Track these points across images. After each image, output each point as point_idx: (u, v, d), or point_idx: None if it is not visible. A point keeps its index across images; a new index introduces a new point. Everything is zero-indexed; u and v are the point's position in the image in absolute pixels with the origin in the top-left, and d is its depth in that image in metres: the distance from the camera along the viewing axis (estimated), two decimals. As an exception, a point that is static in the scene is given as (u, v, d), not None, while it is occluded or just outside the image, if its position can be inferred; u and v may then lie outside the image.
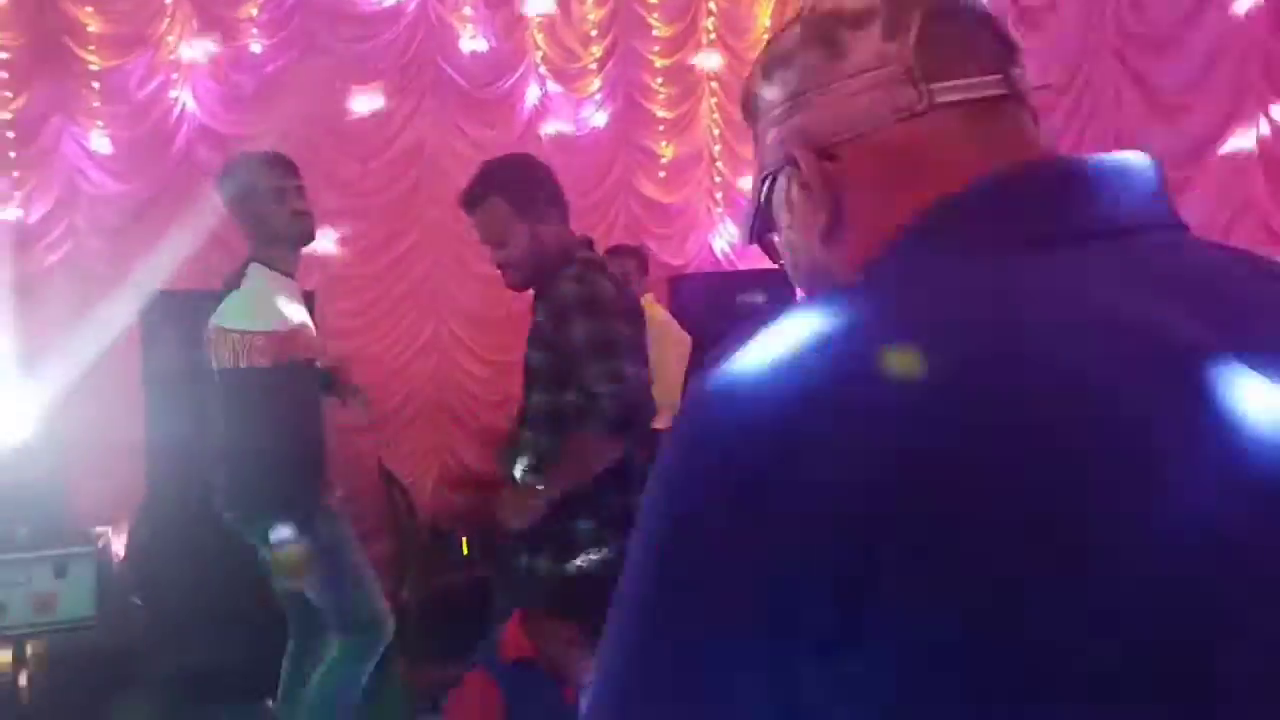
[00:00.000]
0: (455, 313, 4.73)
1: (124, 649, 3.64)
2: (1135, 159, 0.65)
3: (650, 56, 5.12)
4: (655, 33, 5.11)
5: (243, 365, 2.51)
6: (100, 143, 4.26)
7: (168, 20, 4.33)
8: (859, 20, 0.68)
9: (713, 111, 5.24)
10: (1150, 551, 0.48)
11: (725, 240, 5.26)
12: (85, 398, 3.79)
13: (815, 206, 0.71)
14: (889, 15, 0.68)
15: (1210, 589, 0.48)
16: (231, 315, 2.56)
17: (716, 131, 5.23)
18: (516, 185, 2.26)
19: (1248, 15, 3.26)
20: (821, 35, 0.70)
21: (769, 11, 5.22)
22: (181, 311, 3.72)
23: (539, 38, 4.87)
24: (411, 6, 4.63)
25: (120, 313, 3.82)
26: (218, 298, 2.62)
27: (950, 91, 0.66)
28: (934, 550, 0.48)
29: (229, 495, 2.67)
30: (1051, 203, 0.61)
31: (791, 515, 0.50)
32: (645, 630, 0.55)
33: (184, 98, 4.36)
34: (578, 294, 2.14)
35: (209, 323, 2.59)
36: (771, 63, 0.74)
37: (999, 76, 0.66)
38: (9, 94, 4.14)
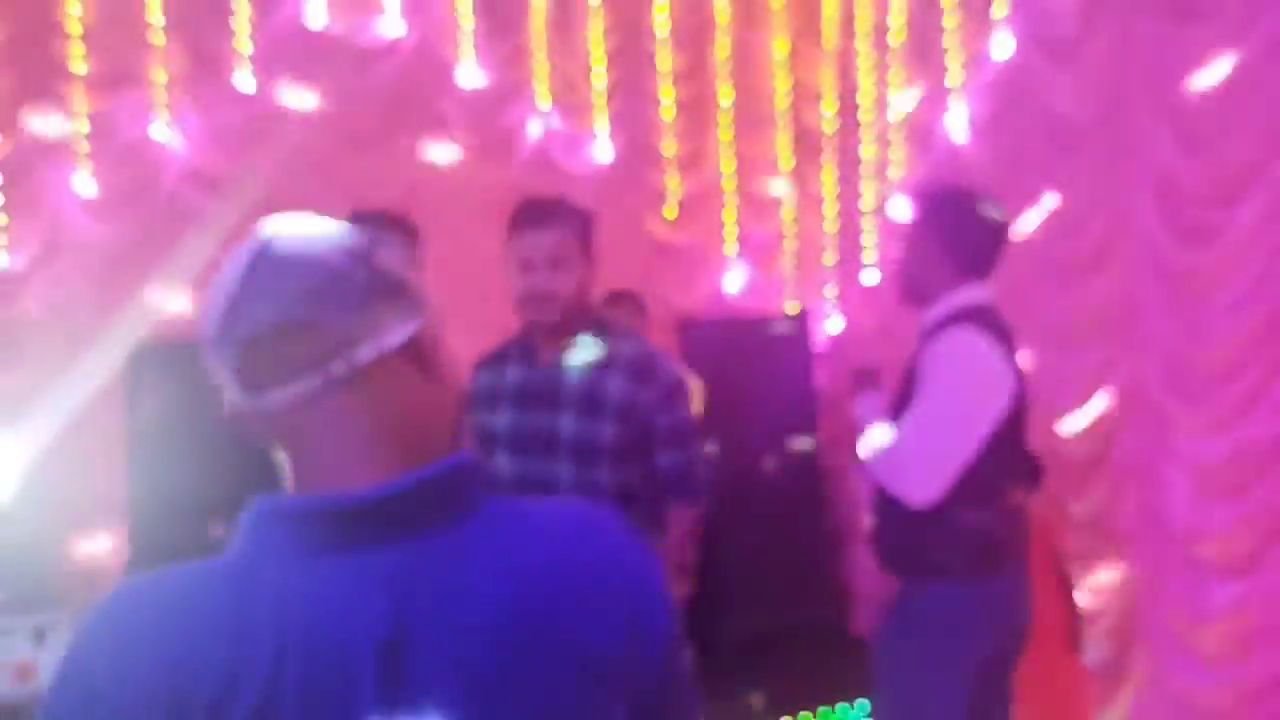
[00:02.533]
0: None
1: None
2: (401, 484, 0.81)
3: (658, 90, 4.95)
4: (664, 65, 4.94)
5: None
6: (86, 185, 4.11)
7: (157, 57, 4.19)
8: (210, 344, 0.87)
9: (724, 147, 5.06)
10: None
11: (737, 282, 5.07)
12: (67, 455, 3.62)
13: None
14: (214, 351, 0.87)
15: None
16: None
17: (729, 169, 5.06)
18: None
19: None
20: (207, 341, 0.89)
21: (784, 44, 5.04)
22: (168, 363, 3.57)
23: (542, 71, 4.71)
24: (409, 41, 4.48)
25: (105, 365, 3.65)
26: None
27: (276, 397, 0.84)
28: None
29: None
30: (314, 527, 0.80)
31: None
32: None
33: (172, 137, 4.21)
34: None
35: None
36: None
37: (316, 375, 0.83)
38: (-6, 136, 3.99)
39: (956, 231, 2.34)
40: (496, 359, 2.50)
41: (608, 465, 2.21)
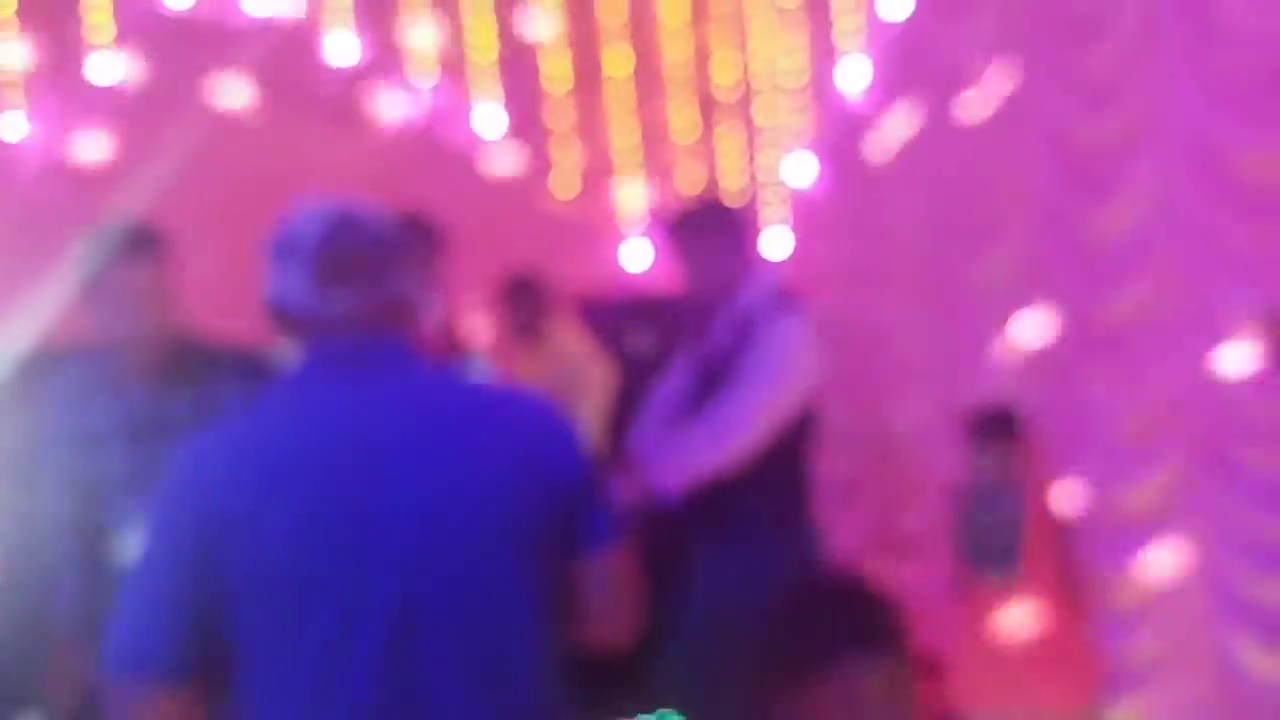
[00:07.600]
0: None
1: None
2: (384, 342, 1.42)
3: (545, 60, 4.81)
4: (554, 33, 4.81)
5: None
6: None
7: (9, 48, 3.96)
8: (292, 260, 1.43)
9: (620, 118, 4.94)
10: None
11: (639, 258, 4.95)
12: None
13: None
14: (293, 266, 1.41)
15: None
16: None
17: (625, 137, 4.93)
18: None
19: None
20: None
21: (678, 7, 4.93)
22: (35, 376, 3.37)
23: (418, 44, 4.53)
24: (280, 19, 4.30)
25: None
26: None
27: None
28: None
29: None
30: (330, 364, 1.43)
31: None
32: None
33: (27, 131, 3.99)
34: None
35: None
36: None
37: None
38: None
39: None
40: None
41: None
